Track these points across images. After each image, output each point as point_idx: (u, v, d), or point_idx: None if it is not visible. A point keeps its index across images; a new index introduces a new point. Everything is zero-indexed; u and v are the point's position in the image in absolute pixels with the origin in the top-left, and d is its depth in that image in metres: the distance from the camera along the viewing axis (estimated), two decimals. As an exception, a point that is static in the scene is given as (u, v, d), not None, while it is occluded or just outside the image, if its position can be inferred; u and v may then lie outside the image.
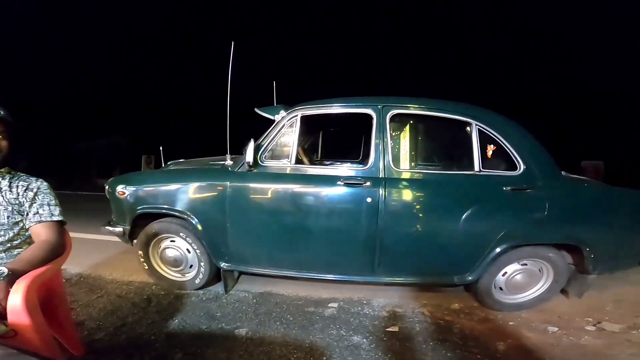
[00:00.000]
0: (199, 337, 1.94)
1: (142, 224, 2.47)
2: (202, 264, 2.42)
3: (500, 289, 2.29)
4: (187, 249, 2.44)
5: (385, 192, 2.11)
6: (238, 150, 2.50)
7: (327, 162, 3.53)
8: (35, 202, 1.41)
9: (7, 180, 1.40)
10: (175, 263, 2.49)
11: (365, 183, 2.14)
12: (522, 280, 2.26)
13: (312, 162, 3.26)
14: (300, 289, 2.57)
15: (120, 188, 2.45)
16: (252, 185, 2.26)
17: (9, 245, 1.38)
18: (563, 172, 2.34)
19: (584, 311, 2.30)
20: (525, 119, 2.51)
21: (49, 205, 1.43)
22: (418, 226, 2.16)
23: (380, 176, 2.16)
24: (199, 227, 2.29)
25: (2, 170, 1.41)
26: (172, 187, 2.37)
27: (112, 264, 3.06)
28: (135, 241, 2.53)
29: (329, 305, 2.34)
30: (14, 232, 1.39)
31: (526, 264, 2.24)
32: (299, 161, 2.43)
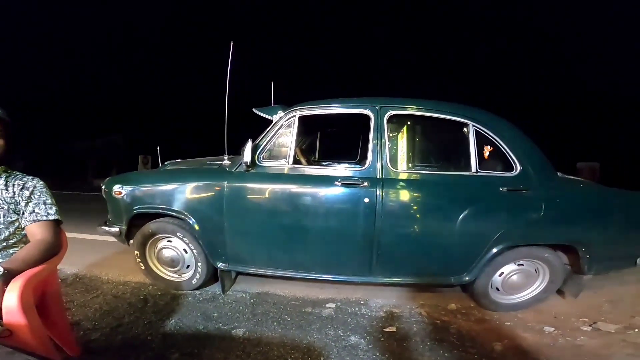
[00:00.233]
0: (196, 337, 1.93)
1: (138, 224, 2.46)
2: (199, 264, 2.42)
3: (497, 289, 2.30)
4: (184, 249, 2.43)
5: (382, 192, 2.11)
6: (236, 150, 2.50)
7: (325, 163, 3.54)
8: (31, 201, 1.40)
9: (3, 179, 1.39)
10: (172, 263, 2.48)
11: (362, 183, 2.14)
12: (518, 280, 2.27)
13: (310, 163, 3.27)
14: (298, 289, 2.56)
15: (116, 188, 2.44)
16: (249, 185, 2.25)
17: (4, 244, 1.37)
18: (559, 173, 2.36)
19: (580, 311, 2.31)
20: (522, 120, 2.53)
21: (45, 204, 1.42)
22: (415, 226, 2.16)
23: (378, 177, 2.16)
24: (196, 227, 2.29)
25: (-1, 169, 1.40)
26: (169, 187, 2.36)
27: (108, 264, 3.04)
28: (131, 241, 2.52)
29: (327, 305, 2.34)
30: (9, 231, 1.38)
31: (522, 265, 2.25)
32: (296, 161, 2.43)
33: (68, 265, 2.83)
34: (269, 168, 2.29)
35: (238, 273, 2.63)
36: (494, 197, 2.14)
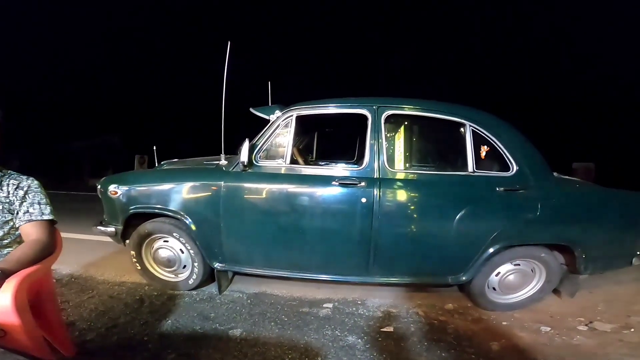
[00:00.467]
0: (193, 338, 1.92)
1: (134, 223, 2.44)
2: (195, 264, 2.41)
3: (494, 289, 2.30)
4: (181, 249, 2.42)
5: (379, 192, 2.12)
6: (233, 150, 2.49)
7: (322, 163, 3.53)
8: (25, 201, 1.39)
9: (-3, 178, 1.38)
10: (168, 263, 2.46)
11: (360, 183, 2.14)
12: (515, 280, 2.28)
13: (307, 162, 3.26)
14: (295, 289, 2.56)
15: (112, 187, 2.42)
16: (246, 185, 2.25)
17: (-2, 244, 1.36)
18: (555, 173, 2.37)
19: (576, 311, 2.32)
20: (518, 120, 2.54)
21: (39, 204, 1.41)
22: (412, 226, 2.17)
23: (375, 176, 2.16)
24: (193, 227, 2.27)
25: (-8, 168, 1.39)
26: (166, 186, 2.34)
27: (104, 264, 3.02)
28: (127, 241, 2.50)
29: (324, 305, 2.33)
30: (3, 231, 1.37)
31: (519, 264, 2.26)
32: (293, 161, 2.43)
33: (63, 266, 2.81)
34: (266, 168, 2.28)
35: (235, 273, 2.62)
36: (491, 197, 2.15)
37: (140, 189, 2.40)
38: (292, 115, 2.28)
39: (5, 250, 1.38)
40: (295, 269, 2.34)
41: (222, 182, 2.24)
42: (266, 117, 2.71)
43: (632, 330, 2.09)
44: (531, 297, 2.32)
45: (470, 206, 2.12)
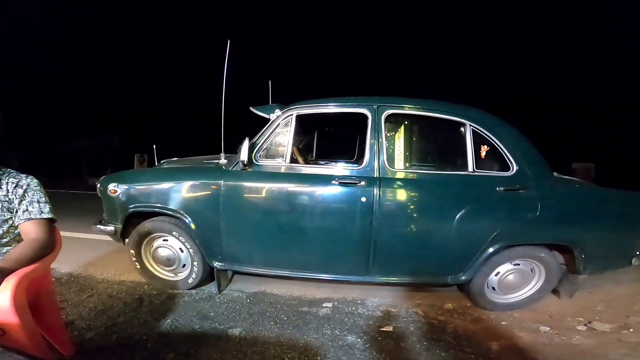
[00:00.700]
0: (192, 337, 1.92)
1: (134, 222, 2.44)
2: (195, 263, 2.40)
3: (493, 288, 2.30)
4: (180, 248, 2.41)
5: (379, 191, 2.11)
6: (233, 149, 2.49)
7: (322, 162, 3.53)
8: (24, 199, 1.38)
9: (-4, 177, 1.37)
10: (167, 262, 2.46)
11: (359, 183, 2.14)
12: (514, 280, 2.28)
13: (307, 162, 3.26)
14: (294, 288, 2.56)
15: (112, 186, 2.42)
16: (246, 184, 2.25)
17: (-3, 243, 1.36)
18: (555, 173, 2.37)
19: (575, 311, 2.32)
20: (518, 119, 2.54)
21: (38, 202, 1.40)
22: (412, 226, 2.17)
23: (375, 176, 2.16)
24: (193, 226, 2.27)
25: (-8, 166, 1.39)
26: (165, 185, 2.34)
27: (103, 263, 3.02)
28: (127, 240, 2.50)
29: (323, 305, 2.33)
30: (2, 229, 1.37)
31: (518, 264, 2.26)
32: (293, 160, 2.42)
33: (62, 264, 2.81)
34: (266, 167, 2.28)
35: (234, 272, 2.62)
36: (491, 197, 2.14)
37: (140, 187, 2.40)
38: (292, 115, 2.28)
39: (4, 249, 1.38)
40: (294, 269, 2.34)
41: (222, 181, 2.24)
42: (266, 116, 2.70)
43: (631, 330, 2.09)
44: (530, 297, 2.32)
45: (470, 206, 2.12)
